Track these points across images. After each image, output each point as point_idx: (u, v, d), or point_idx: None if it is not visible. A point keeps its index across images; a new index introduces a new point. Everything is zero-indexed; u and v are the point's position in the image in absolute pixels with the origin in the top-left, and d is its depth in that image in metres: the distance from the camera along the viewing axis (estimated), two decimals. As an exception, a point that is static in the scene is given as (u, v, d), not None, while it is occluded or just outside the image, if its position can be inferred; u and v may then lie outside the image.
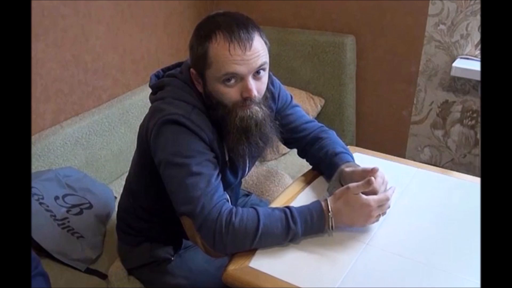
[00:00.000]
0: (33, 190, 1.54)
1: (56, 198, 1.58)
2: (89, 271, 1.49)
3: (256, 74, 1.08)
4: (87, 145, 1.81)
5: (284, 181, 1.86)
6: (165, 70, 1.26)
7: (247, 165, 1.28)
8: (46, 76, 1.74)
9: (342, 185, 1.14)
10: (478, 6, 1.92)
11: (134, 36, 2.06)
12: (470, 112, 2.10)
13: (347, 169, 1.18)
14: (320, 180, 1.31)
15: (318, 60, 2.23)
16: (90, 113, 1.87)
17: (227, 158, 1.19)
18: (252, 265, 1.01)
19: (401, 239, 1.08)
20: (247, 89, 1.07)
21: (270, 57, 1.12)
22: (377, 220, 1.09)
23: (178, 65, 1.24)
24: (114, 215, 1.66)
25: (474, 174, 1.57)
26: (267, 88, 1.15)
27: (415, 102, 2.20)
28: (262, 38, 1.09)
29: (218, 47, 1.05)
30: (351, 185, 1.07)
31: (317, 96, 2.26)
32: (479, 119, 2.08)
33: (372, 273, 0.99)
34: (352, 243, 1.07)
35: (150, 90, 1.23)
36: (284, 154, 2.13)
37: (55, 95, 1.79)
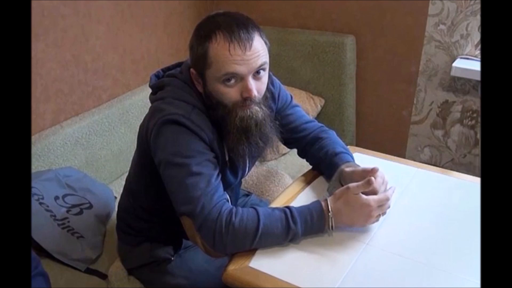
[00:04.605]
0: (33, 190, 1.54)
1: (56, 198, 1.58)
2: (89, 271, 1.49)
3: (256, 74, 1.08)
4: (87, 145, 1.81)
5: (284, 181, 1.86)
6: (165, 70, 1.26)
7: (247, 165, 1.28)
8: (46, 76, 1.74)
9: (342, 185, 1.14)
10: (478, 6, 1.92)
11: (134, 36, 2.06)
12: (470, 112, 2.10)
13: (347, 169, 1.18)
14: (320, 180, 1.31)
15: (318, 60, 2.23)
16: (90, 113, 1.87)
17: (227, 158, 1.19)
18: (252, 265, 1.01)
19: (401, 239, 1.08)
20: (247, 89, 1.07)
21: (270, 57, 1.12)
22: (377, 220, 1.09)
23: (178, 65, 1.24)
24: (114, 215, 1.66)
25: (474, 174, 1.57)
26: (267, 88, 1.15)
27: (415, 102, 2.20)
28: (262, 38, 1.09)
29: (218, 47, 1.05)
30: (351, 185, 1.07)
31: (317, 96, 2.26)
32: (479, 119, 2.08)
33: (372, 273, 0.99)
34: (352, 243, 1.07)
35: (150, 90, 1.23)
36: (284, 154, 2.13)
37: (55, 95, 1.79)
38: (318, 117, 2.24)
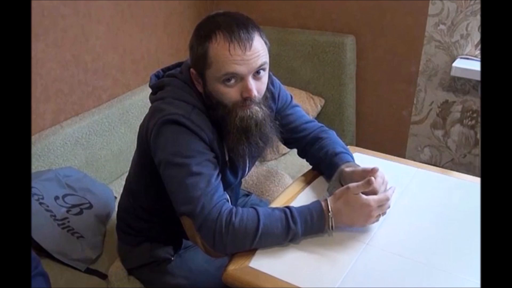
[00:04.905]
0: (33, 190, 1.54)
1: (56, 198, 1.58)
2: (89, 271, 1.49)
3: (256, 74, 1.08)
4: (87, 145, 1.81)
5: (284, 181, 1.86)
6: (165, 70, 1.26)
7: (247, 165, 1.28)
8: (46, 76, 1.74)
9: (342, 185, 1.14)
10: (478, 6, 1.92)
11: (134, 36, 2.06)
12: (470, 112, 2.10)
13: (347, 169, 1.18)
14: (320, 180, 1.31)
15: (318, 60, 2.23)
16: (90, 113, 1.87)
17: (227, 158, 1.19)
18: (252, 265, 1.01)
19: (401, 239, 1.08)
20: (247, 89, 1.07)
21: (270, 57, 1.12)
22: (377, 220, 1.09)
23: (178, 65, 1.24)
24: (114, 215, 1.66)
25: (474, 174, 1.57)
26: (267, 88, 1.15)
27: (415, 102, 2.20)
28: (262, 38, 1.09)
29: (218, 47, 1.05)
30: (351, 185, 1.07)
31: (317, 96, 2.26)
32: (479, 119, 2.08)
33: (372, 273, 0.99)
34: (352, 243, 1.07)
35: (150, 90, 1.23)
36: (284, 154, 2.13)
37: (55, 95, 1.79)
38: (318, 117, 2.24)
